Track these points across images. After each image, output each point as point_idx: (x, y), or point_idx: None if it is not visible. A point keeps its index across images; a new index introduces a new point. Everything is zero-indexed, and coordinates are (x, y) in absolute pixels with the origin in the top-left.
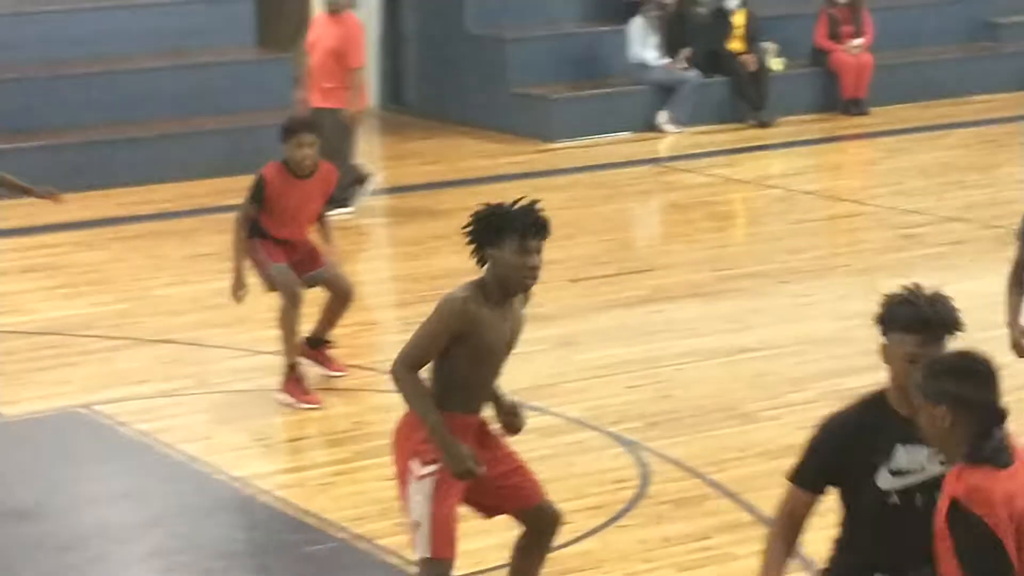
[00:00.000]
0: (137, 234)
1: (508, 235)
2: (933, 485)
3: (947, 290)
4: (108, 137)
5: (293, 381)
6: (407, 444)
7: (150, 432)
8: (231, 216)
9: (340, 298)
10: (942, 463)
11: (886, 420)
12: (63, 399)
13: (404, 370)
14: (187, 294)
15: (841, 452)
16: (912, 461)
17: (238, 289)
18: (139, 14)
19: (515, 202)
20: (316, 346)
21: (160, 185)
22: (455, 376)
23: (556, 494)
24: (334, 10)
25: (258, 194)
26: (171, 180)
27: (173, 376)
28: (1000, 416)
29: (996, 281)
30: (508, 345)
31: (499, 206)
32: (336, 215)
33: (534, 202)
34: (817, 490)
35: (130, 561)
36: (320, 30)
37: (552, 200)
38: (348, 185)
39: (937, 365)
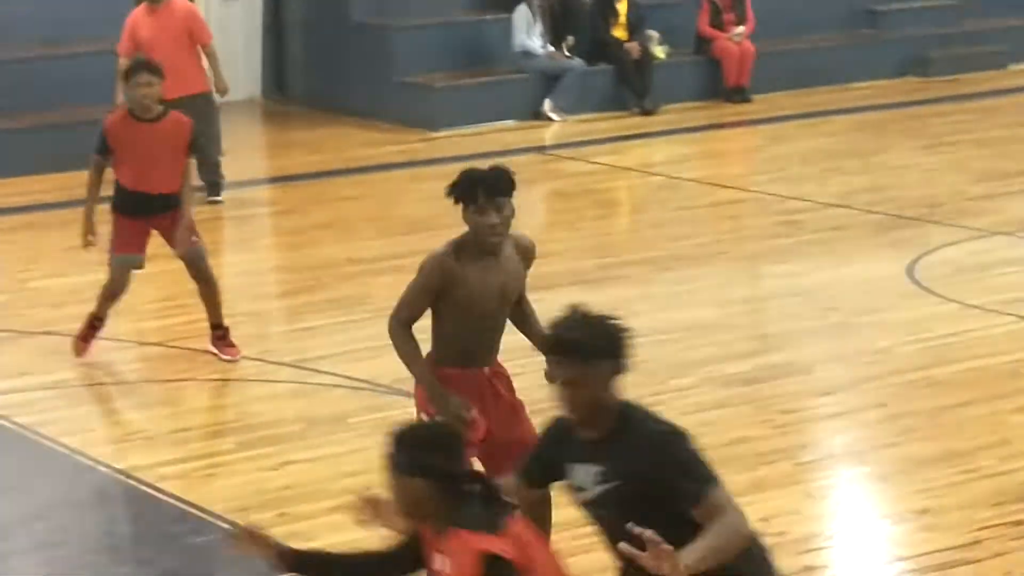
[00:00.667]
0: (14, 226)
1: (471, 197)
2: (598, 502)
3: (827, 275)
4: None
5: (88, 329)
6: (418, 397)
7: (31, 425)
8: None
9: (197, 280)
10: (598, 483)
11: (568, 435)
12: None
13: (396, 326)
14: (67, 286)
15: (545, 459)
16: (584, 480)
17: (87, 235)
18: (13, 2)
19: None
20: (216, 330)
21: (38, 176)
22: (446, 331)
23: None
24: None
25: (100, 144)
26: (49, 171)
27: (54, 368)
28: (473, 482)
29: (875, 267)
30: (500, 298)
31: (466, 171)
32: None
33: (497, 167)
34: (534, 485)
35: (10, 554)
36: (149, 25)
37: (437, 189)
38: (215, 171)
39: (406, 437)
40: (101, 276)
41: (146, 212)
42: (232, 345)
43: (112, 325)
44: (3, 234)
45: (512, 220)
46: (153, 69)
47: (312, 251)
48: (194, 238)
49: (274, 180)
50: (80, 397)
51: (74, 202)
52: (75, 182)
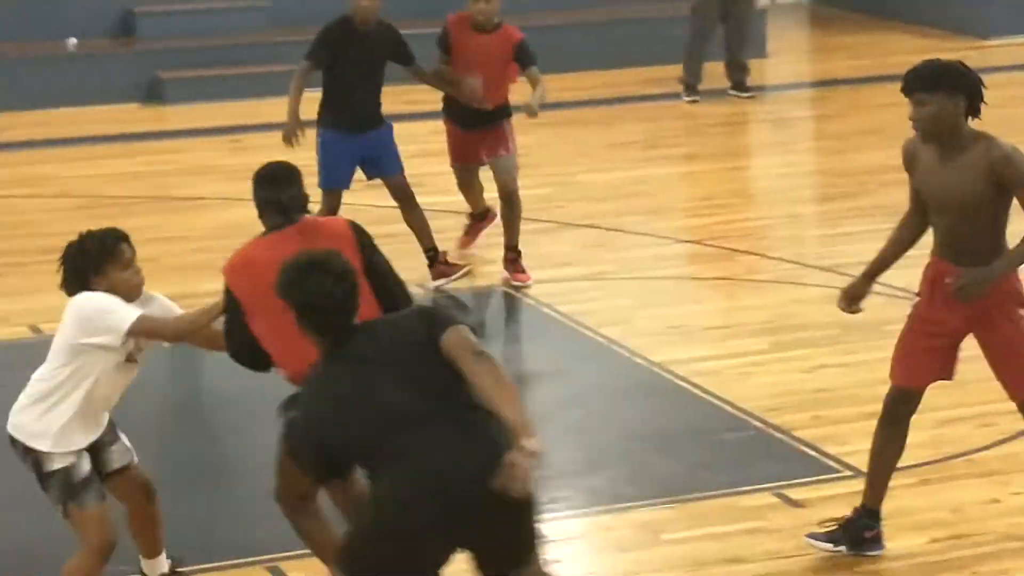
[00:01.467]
0: (562, 121)
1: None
2: None
3: None
4: (536, 24)
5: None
6: None
7: (572, 314)
8: (654, 105)
9: (502, 198)
10: None
11: None
12: (487, 278)
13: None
14: (609, 180)
15: None
16: None
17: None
18: None
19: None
20: (509, 252)
21: (584, 73)
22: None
23: (977, 395)
24: None
25: (442, 41)
26: (594, 68)
27: (596, 260)
28: (278, 206)
29: None
30: (946, 197)
31: None
32: (739, 96)
33: (921, 64)
34: None
35: (548, 437)
36: None
37: (986, 98)
38: (742, 70)
39: (257, 173)
40: (641, 172)
41: (471, 123)
42: (523, 271)
43: (651, 222)
44: (552, 128)
45: (938, 119)
46: None
47: (853, 157)
48: (502, 150)
49: (817, 84)
50: (619, 290)
51: (620, 99)
52: (621, 79)
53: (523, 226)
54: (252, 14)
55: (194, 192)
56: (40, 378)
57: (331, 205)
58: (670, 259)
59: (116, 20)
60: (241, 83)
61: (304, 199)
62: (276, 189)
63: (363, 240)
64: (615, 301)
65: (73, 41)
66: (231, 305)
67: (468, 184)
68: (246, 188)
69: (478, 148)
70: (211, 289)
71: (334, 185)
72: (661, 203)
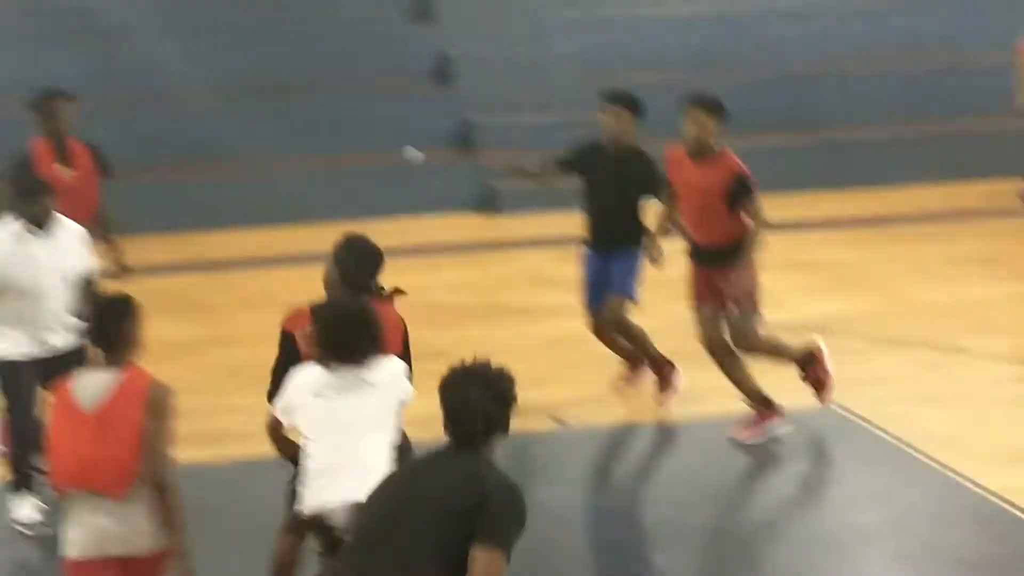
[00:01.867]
0: (898, 235)
1: None
2: None
3: None
4: (874, 136)
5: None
6: None
7: (902, 435)
8: (994, 220)
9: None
10: None
11: None
12: (812, 397)
13: None
14: (946, 298)
15: None
16: None
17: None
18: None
19: None
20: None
21: (923, 186)
22: None
23: None
24: None
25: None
26: (934, 182)
27: (926, 381)
28: (352, 283)
29: None
30: None
31: None
32: None
33: None
34: None
35: (874, 561)
36: None
37: None
38: None
39: (349, 241)
40: (981, 290)
41: (697, 260)
42: (820, 386)
43: (989, 342)
44: (887, 243)
45: None
46: (707, 104)
47: None
48: (731, 304)
49: None
50: (953, 411)
51: (958, 213)
52: (961, 193)
53: (853, 344)
54: (589, 128)
55: (526, 303)
56: (386, 445)
57: (590, 324)
58: (1008, 381)
59: (453, 131)
60: (574, 194)
61: (375, 284)
62: (358, 265)
63: (406, 336)
64: (948, 423)
65: (416, 154)
66: (287, 349)
67: (713, 340)
68: (576, 300)
69: (706, 288)
70: (537, 400)
71: (586, 303)
72: (1001, 322)
